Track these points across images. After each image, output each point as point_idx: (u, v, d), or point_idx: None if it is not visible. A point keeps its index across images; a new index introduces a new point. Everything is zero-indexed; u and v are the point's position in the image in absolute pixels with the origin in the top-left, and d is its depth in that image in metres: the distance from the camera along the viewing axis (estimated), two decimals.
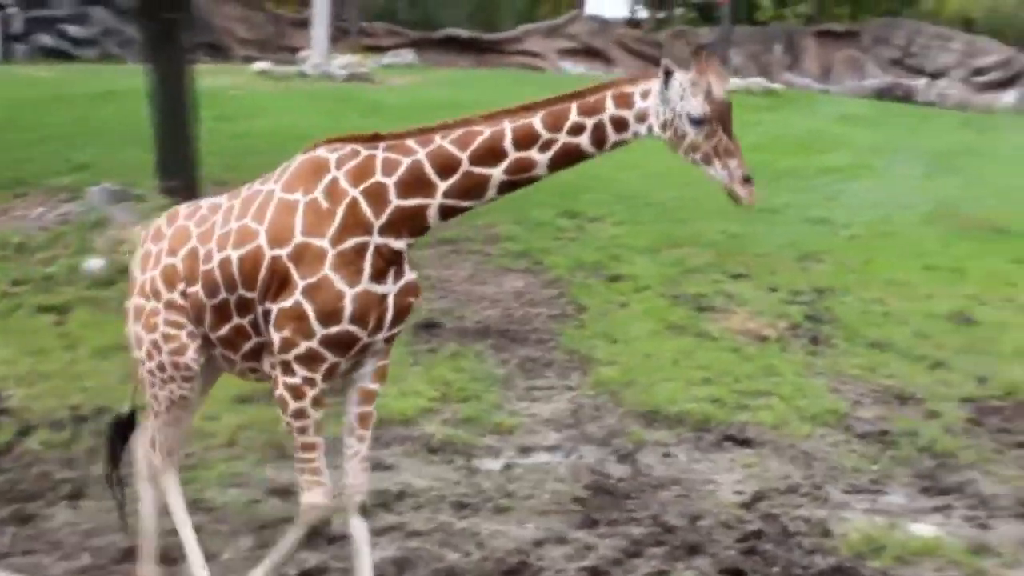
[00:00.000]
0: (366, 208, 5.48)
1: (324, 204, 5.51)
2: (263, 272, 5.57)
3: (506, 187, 5.57)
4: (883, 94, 39.26)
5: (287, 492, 7.37)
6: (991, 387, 9.76)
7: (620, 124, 5.49)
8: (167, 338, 5.92)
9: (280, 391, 5.63)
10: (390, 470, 7.94)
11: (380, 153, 5.56)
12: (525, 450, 8.46)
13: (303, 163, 5.72)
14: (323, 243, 5.45)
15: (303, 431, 5.68)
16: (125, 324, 6.16)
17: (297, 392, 5.60)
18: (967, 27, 46.68)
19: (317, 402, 5.62)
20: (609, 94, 5.50)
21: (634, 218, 15.44)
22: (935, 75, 42.37)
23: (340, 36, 39.99)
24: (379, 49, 42.32)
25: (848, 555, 7.06)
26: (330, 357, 5.53)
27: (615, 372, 10.01)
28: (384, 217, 5.48)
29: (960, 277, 13.72)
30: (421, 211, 5.52)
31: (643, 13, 56.75)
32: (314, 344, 5.49)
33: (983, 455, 8.59)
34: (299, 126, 19.38)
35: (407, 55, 40.70)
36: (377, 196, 5.49)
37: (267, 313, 5.59)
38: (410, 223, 5.53)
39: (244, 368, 5.97)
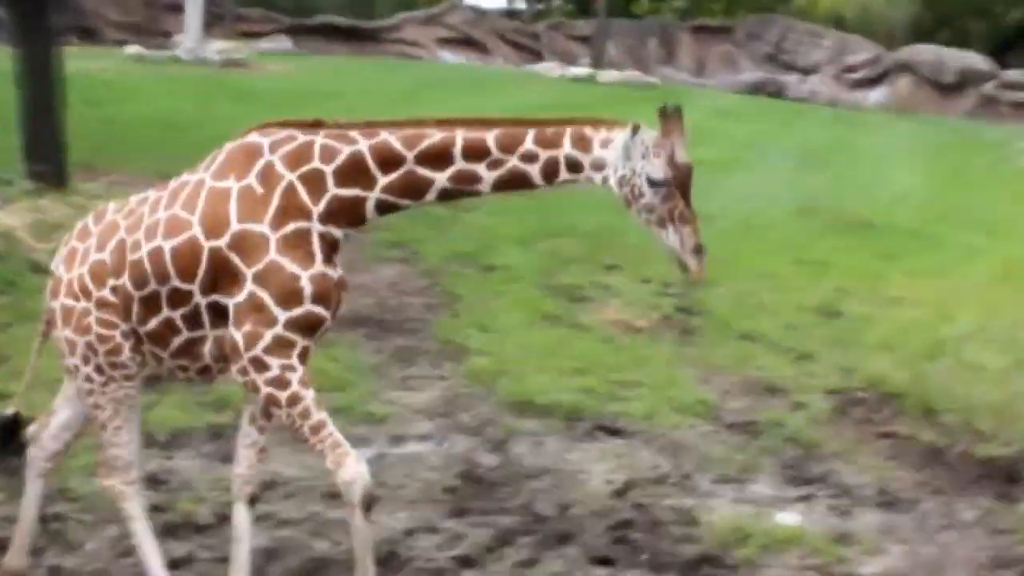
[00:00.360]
0: (303, 194, 5.33)
1: (259, 189, 5.34)
2: (203, 264, 5.36)
3: (446, 194, 5.47)
4: (756, 89, 39.81)
5: (156, 480, 7.31)
6: (855, 379, 9.95)
7: (574, 165, 5.37)
8: (101, 339, 5.64)
9: (265, 390, 5.35)
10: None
11: (319, 140, 5.41)
12: (397, 439, 8.43)
13: (234, 149, 5.53)
14: (262, 228, 5.28)
15: (305, 415, 5.38)
16: (48, 328, 5.91)
17: (281, 382, 5.33)
18: (838, 25, 47.54)
19: (305, 384, 5.35)
20: (568, 132, 5.38)
21: (508, 209, 15.44)
22: (807, 71, 43.03)
23: (215, 21, 39.55)
24: (255, 35, 41.99)
25: (714, 544, 7.15)
26: (300, 340, 5.31)
27: (488, 362, 10.03)
28: (322, 205, 5.34)
29: (828, 270, 13.98)
30: (359, 203, 5.39)
31: (521, 4, 56.95)
32: (279, 330, 5.28)
33: (846, 445, 8.75)
34: (171, 111, 19.21)
35: (283, 42, 40.50)
36: (314, 183, 5.34)
37: (214, 306, 5.39)
38: (347, 214, 5.39)
39: (173, 366, 5.71)
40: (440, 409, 9.09)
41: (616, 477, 8.09)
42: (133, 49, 31.57)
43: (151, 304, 5.51)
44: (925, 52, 40.11)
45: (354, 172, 5.37)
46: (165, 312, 5.50)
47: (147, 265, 5.47)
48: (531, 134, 5.38)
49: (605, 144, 5.34)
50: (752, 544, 7.18)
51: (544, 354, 10.37)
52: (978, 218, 17.40)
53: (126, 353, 5.64)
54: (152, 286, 5.47)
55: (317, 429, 5.41)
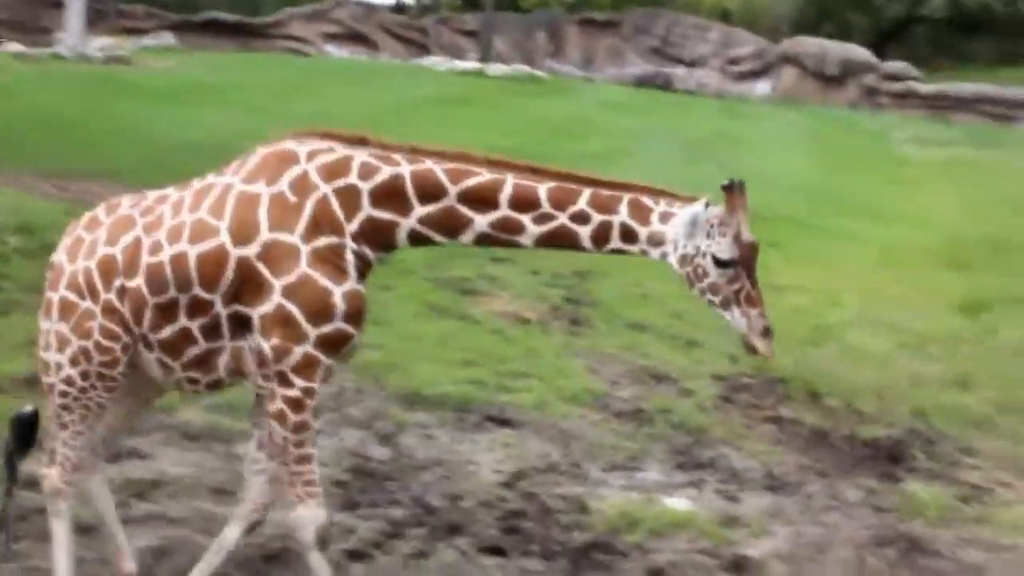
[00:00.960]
0: (337, 208, 5.11)
1: (291, 198, 5.10)
2: (228, 273, 5.12)
3: (483, 239, 5.22)
4: (644, 82, 40.05)
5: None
6: (741, 365, 10.06)
7: (629, 235, 5.14)
8: (100, 348, 5.34)
9: (279, 405, 5.19)
10: (147, 458, 7.77)
11: (359, 156, 5.17)
12: None
13: (267, 154, 5.28)
14: (294, 239, 5.05)
15: (301, 444, 5.25)
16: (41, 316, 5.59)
17: (298, 405, 5.18)
18: (724, 19, 48.07)
19: (316, 412, 5.25)
20: (626, 198, 5.13)
21: None
22: (693, 64, 43.37)
23: (97, 18, 39.02)
24: (138, 31, 41.50)
25: (605, 530, 7.20)
26: (324, 359, 5.13)
27: (378, 355, 9.98)
28: (355, 223, 5.12)
29: None
30: (392, 228, 5.17)
31: None
32: (309, 348, 5.09)
33: (734, 431, 8.86)
34: (53, 108, 18.90)
35: (167, 38, 40.05)
36: (349, 199, 5.12)
37: (235, 316, 5.17)
38: (378, 237, 5.18)
39: (182, 377, 5.43)
40: (330, 403, 9.02)
41: (506, 467, 8.11)
42: (14, 47, 31.08)
43: (168, 312, 5.25)
44: (808, 45, 40.62)
45: (391, 196, 5.15)
46: (182, 321, 5.24)
47: (168, 270, 5.20)
48: (586, 194, 5.13)
49: (665, 219, 5.11)
50: (641, 529, 7.24)
51: (433, 346, 10.35)
52: (861, 205, 17.66)
53: (120, 368, 5.37)
54: (171, 293, 5.21)
55: (303, 460, 5.31)
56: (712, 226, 5.02)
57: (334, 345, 5.13)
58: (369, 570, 6.79)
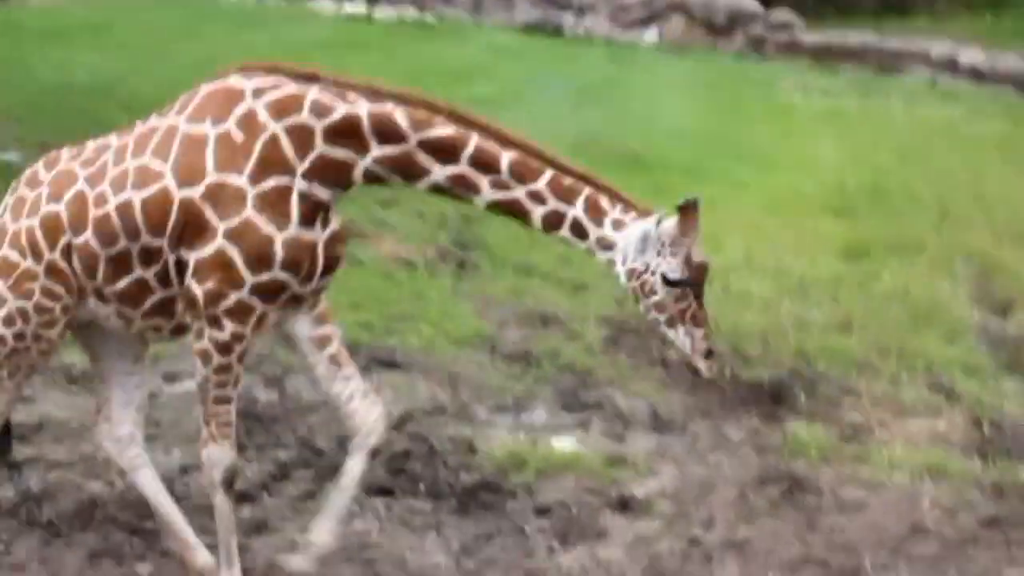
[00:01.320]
0: (287, 147, 5.00)
1: (238, 137, 5.00)
2: (173, 216, 5.02)
3: (437, 189, 5.20)
4: (534, 28, 39.93)
5: None
6: (627, 309, 10.09)
7: (579, 231, 5.15)
8: (39, 309, 5.26)
9: (205, 344, 5.15)
10: (29, 402, 7.65)
11: (311, 93, 5.06)
12: (170, 377, 8.29)
13: (211, 91, 5.17)
14: (241, 181, 4.95)
15: (222, 385, 5.23)
16: None
17: (225, 348, 5.13)
18: None
19: (241, 357, 5.20)
20: (585, 192, 5.13)
21: None
22: (582, 11, 43.33)
23: None
24: None
25: (492, 471, 7.26)
26: (259, 307, 5.07)
27: None
28: (307, 162, 5.02)
29: None
30: (347, 167, 5.10)
31: None
32: (244, 294, 5.02)
33: (620, 372, 8.93)
34: None
35: None
36: (301, 137, 5.02)
37: (180, 263, 5.08)
38: (334, 175, 5.09)
39: (144, 327, 5.42)
40: None
41: (393, 409, 8.07)
42: None
43: (121, 263, 5.17)
44: None
45: (347, 134, 5.06)
46: (137, 271, 5.16)
47: (115, 220, 5.11)
48: (547, 175, 5.12)
49: (617, 226, 5.12)
50: (529, 470, 7.32)
51: None
52: (747, 152, 17.76)
53: (58, 329, 5.32)
54: (122, 243, 5.12)
55: (221, 401, 5.29)
56: (663, 244, 5.03)
57: (272, 293, 5.08)
58: (256, 511, 6.79)
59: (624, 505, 7.21)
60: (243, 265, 4.98)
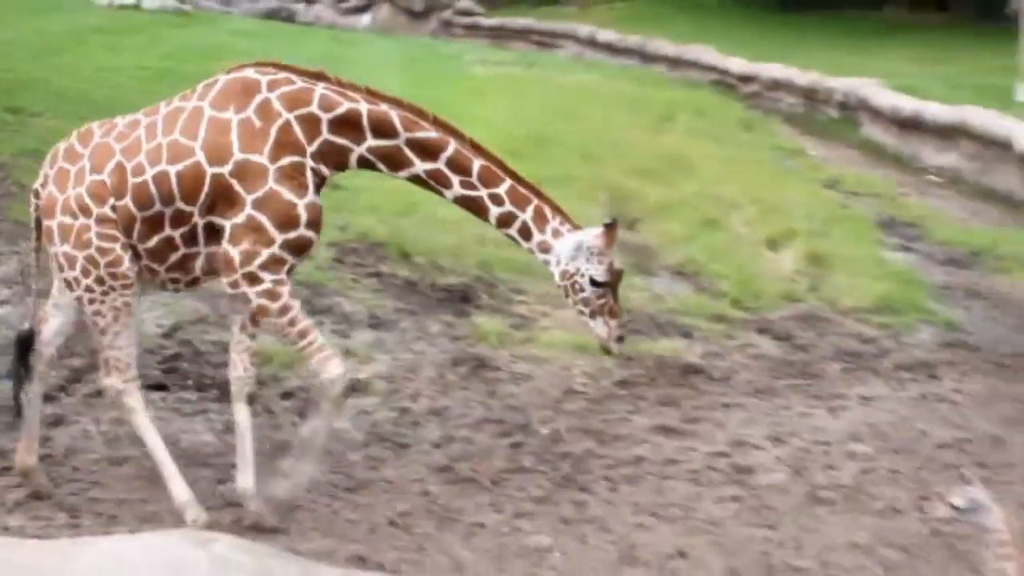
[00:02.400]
0: (299, 132, 4.89)
1: (257, 123, 4.86)
2: (205, 188, 4.87)
3: (415, 180, 5.16)
4: (271, 15, 38.91)
5: None
6: (350, 233, 10.02)
7: (525, 232, 5.16)
8: (102, 251, 5.01)
9: (256, 301, 5.00)
10: None
11: (319, 89, 4.96)
12: None
13: (231, 82, 5.01)
14: (262, 159, 4.82)
15: (293, 321, 5.04)
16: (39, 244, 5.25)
17: (272, 294, 4.97)
18: None
19: (291, 296, 5.01)
20: (534, 203, 5.17)
21: (73, 113, 14.47)
22: (311, 0, 42.45)
23: None
24: None
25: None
26: (289, 259, 4.94)
27: None
28: (315, 145, 4.91)
29: None
30: (345, 152, 5.00)
31: None
32: (276, 250, 4.90)
33: (344, 284, 8.87)
34: None
35: None
36: (310, 125, 4.91)
37: (209, 226, 4.91)
38: (335, 158, 5.00)
39: (166, 279, 5.22)
40: (16, 278, 8.53)
41: (165, 322, 7.90)
42: None
43: (154, 224, 4.98)
44: None
45: (348, 125, 4.98)
46: (167, 231, 4.99)
47: (152, 188, 4.92)
48: (507, 184, 5.12)
49: (555, 234, 5.12)
50: (275, 363, 7.26)
51: None
52: (441, 110, 17.52)
53: (126, 264, 5.04)
54: (157, 207, 4.93)
55: (304, 334, 5.10)
56: (592, 253, 5.05)
57: (298, 248, 5.01)
58: (56, 408, 6.55)
59: (350, 387, 7.22)
60: (272, 227, 4.89)
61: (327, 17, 40.24)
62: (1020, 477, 6.64)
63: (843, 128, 19.84)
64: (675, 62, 25.67)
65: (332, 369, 5.18)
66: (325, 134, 5.02)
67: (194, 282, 5.36)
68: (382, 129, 5.06)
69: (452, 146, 5.13)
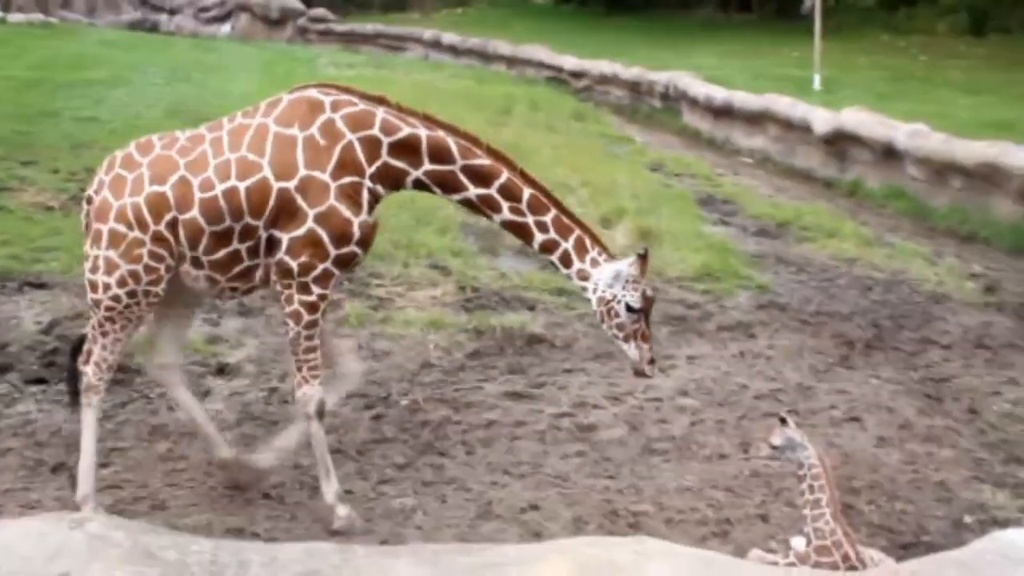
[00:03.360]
0: (360, 153, 4.70)
1: (321, 141, 4.65)
2: (271, 202, 4.72)
3: (467, 203, 5.02)
4: (135, 26, 37.69)
5: None
6: None
7: (566, 261, 4.99)
8: (148, 270, 4.78)
9: (296, 307, 4.81)
10: None
11: (380, 113, 4.76)
12: None
13: (296, 101, 4.80)
14: (325, 177, 4.63)
15: (311, 337, 4.87)
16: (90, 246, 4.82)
17: (313, 307, 4.82)
18: None
19: (324, 314, 4.96)
20: (576, 232, 5.01)
21: None
22: (173, 11, 41.22)
23: None
24: None
25: (123, 357, 6.96)
26: (337, 273, 4.79)
27: None
28: (374, 167, 4.72)
29: None
30: (403, 175, 4.81)
31: None
32: (329, 264, 4.79)
33: None
34: None
35: None
36: (371, 147, 4.72)
37: (269, 239, 4.68)
38: (392, 180, 4.81)
39: (226, 287, 5.00)
40: None
41: (43, 319, 7.67)
42: None
43: (221, 237, 4.75)
44: None
45: (407, 150, 4.80)
46: (234, 244, 4.77)
47: (222, 203, 4.68)
48: (552, 213, 4.96)
49: (594, 264, 4.96)
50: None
51: None
52: None
53: (163, 285, 4.80)
54: (227, 222, 4.69)
55: (309, 351, 4.93)
56: (628, 281, 4.92)
57: (347, 263, 4.90)
58: None
59: (221, 370, 7.11)
60: (329, 242, 4.75)
61: (189, 26, 39.14)
62: (826, 420, 6.89)
63: (665, 116, 20.29)
64: (513, 61, 25.83)
65: (313, 388, 5.06)
66: (384, 157, 4.86)
67: (250, 290, 5.19)
68: (440, 155, 4.92)
69: (505, 175, 4.99)
